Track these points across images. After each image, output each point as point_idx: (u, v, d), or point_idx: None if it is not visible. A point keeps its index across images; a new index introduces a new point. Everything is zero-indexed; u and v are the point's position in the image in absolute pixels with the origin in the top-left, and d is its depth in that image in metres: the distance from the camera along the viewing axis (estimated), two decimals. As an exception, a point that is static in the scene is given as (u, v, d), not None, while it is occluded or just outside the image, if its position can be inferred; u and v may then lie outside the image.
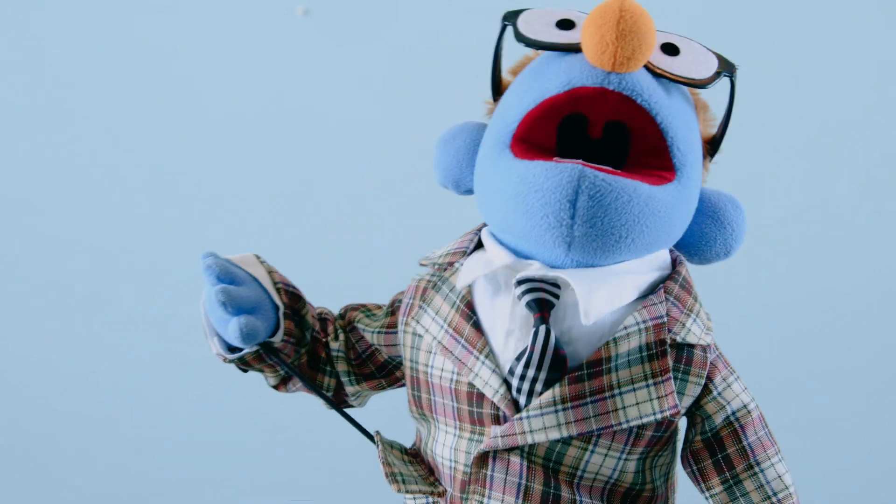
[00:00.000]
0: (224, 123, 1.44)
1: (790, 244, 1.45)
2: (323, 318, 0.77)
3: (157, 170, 1.45)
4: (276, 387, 0.77)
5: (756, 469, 0.68)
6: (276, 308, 0.73)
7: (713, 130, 0.70)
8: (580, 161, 0.62)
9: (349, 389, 0.77)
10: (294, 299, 0.75)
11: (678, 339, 0.66)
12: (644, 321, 0.65)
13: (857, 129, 1.44)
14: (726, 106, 0.69)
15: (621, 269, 0.66)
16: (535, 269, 0.65)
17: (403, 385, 0.74)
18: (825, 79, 1.44)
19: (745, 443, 0.68)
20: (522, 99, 0.65)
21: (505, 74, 0.70)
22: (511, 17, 0.67)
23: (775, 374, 1.46)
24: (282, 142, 1.44)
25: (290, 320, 0.74)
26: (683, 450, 0.69)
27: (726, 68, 0.67)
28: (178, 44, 1.44)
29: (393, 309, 0.75)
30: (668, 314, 0.66)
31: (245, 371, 0.75)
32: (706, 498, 0.69)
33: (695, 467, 0.69)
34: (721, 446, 0.68)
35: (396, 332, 0.74)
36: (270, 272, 0.74)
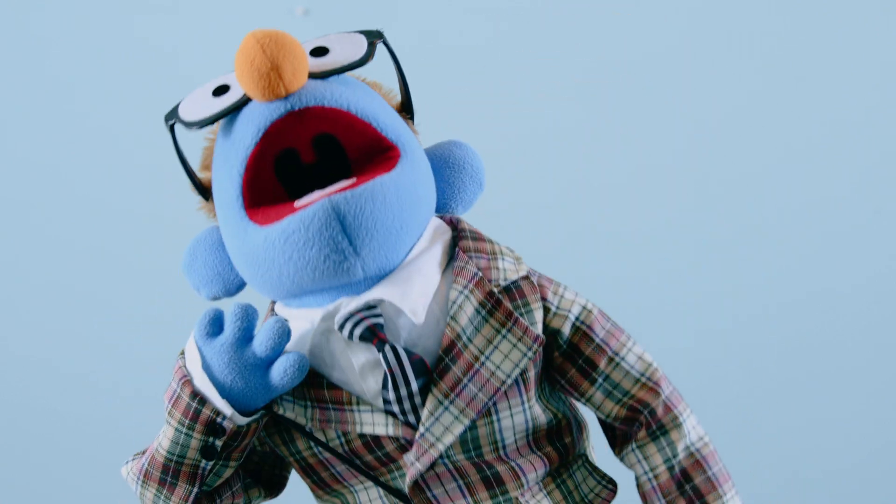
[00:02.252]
0: (224, 123, 1.44)
1: (790, 244, 1.45)
2: None
3: (156, 169, 1.45)
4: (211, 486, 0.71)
5: (617, 359, 0.70)
6: None
7: (399, 98, 0.72)
8: (319, 195, 0.63)
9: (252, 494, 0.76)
10: None
11: (501, 283, 0.68)
12: (465, 286, 0.67)
13: (857, 129, 1.44)
14: (395, 67, 0.71)
15: (412, 259, 0.67)
16: (345, 307, 0.66)
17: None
18: (825, 78, 1.44)
19: (597, 340, 0.70)
20: (230, 171, 0.65)
21: (200, 173, 0.71)
22: (172, 116, 0.68)
23: (776, 374, 1.46)
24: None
25: None
26: (547, 371, 0.71)
27: (374, 37, 0.69)
28: (178, 44, 1.44)
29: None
30: (479, 268, 0.68)
31: (216, 450, 0.69)
32: (585, 404, 0.71)
33: (563, 381, 0.70)
34: (578, 352, 0.70)
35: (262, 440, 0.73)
36: None
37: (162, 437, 0.70)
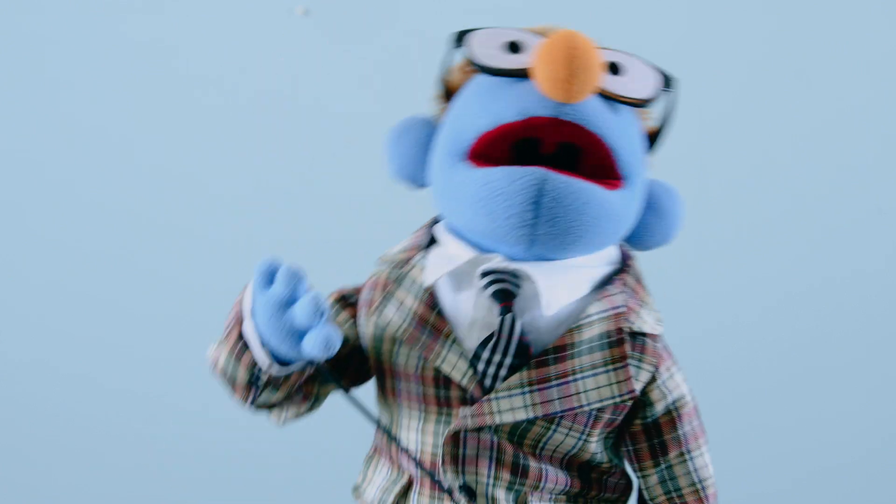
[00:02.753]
0: (224, 123, 1.44)
1: (791, 244, 1.45)
2: None
3: (156, 169, 1.45)
4: (259, 406, 0.74)
5: (687, 457, 0.73)
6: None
7: (654, 124, 0.73)
8: (540, 166, 0.66)
9: (326, 389, 0.77)
10: None
11: (634, 327, 0.70)
12: (605, 310, 0.70)
13: (858, 129, 1.44)
14: (665, 114, 0.72)
15: (577, 263, 0.70)
16: (497, 262, 0.69)
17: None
18: (826, 77, 1.43)
19: (680, 432, 0.73)
20: (476, 120, 0.69)
21: (454, 76, 0.73)
22: (461, 41, 0.71)
23: (776, 374, 1.46)
24: (282, 142, 1.44)
25: None
26: (621, 427, 0.74)
27: (667, 84, 0.71)
28: (178, 43, 1.44)
29: (347, 303, 0.76)
30: (626, 304, 0.71)
31: (258, 394, 0.72)
32: (636, 474, 0.75)
33: (630, 447, 0.74)
34: (658, 432, 0.73)
35: (356, 322, 0.75)
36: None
37: (223, 346, 0.72)
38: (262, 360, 0.69)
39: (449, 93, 0.73)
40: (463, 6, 1.40)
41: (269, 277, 0.67)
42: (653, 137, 0.73)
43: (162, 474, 1.48)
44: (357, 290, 0.76)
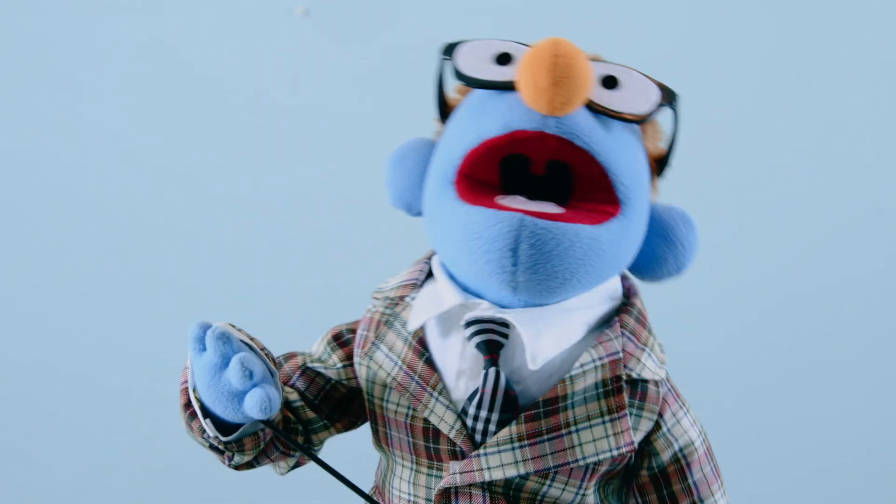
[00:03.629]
0: (224, 123, 1.44)
1: (791, 244, 1.45)
2: None
3: (156, 169, 1.45)
4: (238, 467, 0.72)
5: None
6: (274, 374, 0.70)
7: (663, 146, 0.69)
8: (521, 207, 0.62)
9: (319, 437, 0.75)
10: (276, 363, 0.73)
11: (633, 374, 0.66)
12: (600, 358, 0.66)
13: (859, 129, 1.44)
14: (671, 132, 0.67)
15: (570, 306, 0.66)
16: (483, 310, 0.66)
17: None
18: (826, 77, 1.44)
19: (690, 481, 0.69)
20: (463, 137, 0.65)
21: (452, 94, 0.70)
22: (450, 52, 0.66)
23: (776, 374, 1.46)
24: (282, 142, 1.44)
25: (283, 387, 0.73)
26: (627, 478, 0.70)
27: (667, 98, 0.65)
28: (178, 43, 1.44)
29: (341, 341, 0.74)
30: (623, 349, 0.66)
31: (226, 452, 0.69)
32: None
33: (639, 500, 0.70)
34: (667, 482, 0.69)
35: (353, 362, 0.73)
36: (252, 339, 0.70)
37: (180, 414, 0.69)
38: (208, 428, 0.66)
39: (447, 112, 0.70)
40: (463, 6, 1.40)
41: (202, 342, 0.65)
42: (659, 160, 0.68)
43: (162, 474, 1.48)
44: (353, 328, 0.74)
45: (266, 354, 0.68)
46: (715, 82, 1.42)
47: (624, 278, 0.71)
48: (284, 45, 1.43)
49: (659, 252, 0.68)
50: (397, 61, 1.42)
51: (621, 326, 0.67)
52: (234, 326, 0.68)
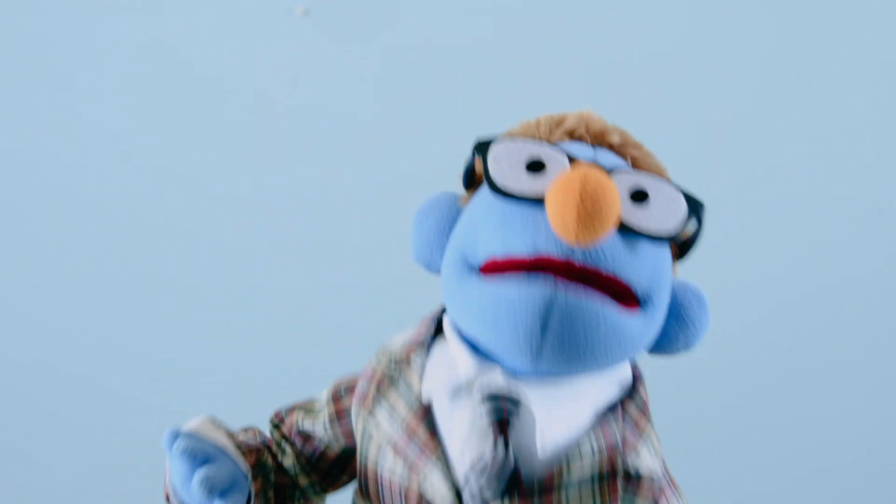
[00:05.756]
0: (224, 123, 1.44)
1: (790, 244, 1.45)
2: (268, 446, 0.75)
3: (156, 169, 1.45)
4: None
5: None
6: (246, 476, 0.70)
7: (688, 232, 0.69)
8: (551, 273, 0.62)
9: (316, 500, 0.75)
10: (256, 454, 0.73)
11: (630, 469, 0.66)
12: (600, 447, 0.65)
13: (858, 130, 1.44)
14: (694, 232, 0.68)
15: (583, 390, 0.66)
16: (497, 378, 0.65)
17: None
18: (827, 77, 1.44)
19: None
20: (489, 242, 0.65)
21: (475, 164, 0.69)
22: (482, 150, 0.66)
23: (776, 375, 1.46)
24: (282, 142, 1.44)
25: (257, 479, 0.73)
26: None
27: (694, 211, 0.67)
28: (177, 43, 1.44)
29: (337, 396, 0.73)
30: (623, 439, 0.66)
31: None
32: None
33: None
34: None
35: (347, 419, 0.73)
36: (230, 436, 0.71)
37: None
38: None
39: (473, 180, 0.69)
40: (463, 6, 1.40)
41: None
42: (682, 247, 0.69)
43: (161, 474, 1.48)
44: (353, 385, 0.73)
45: (243, 453, 0.70)
46: (715, 82, 1.42)
47: (633, 366, 0.71)
48: (284, 45, 1.43)
49: (670, 331, 0.68)
50: (397, 61, 1.42)
51: (623, 411, 0.67)
52: (213, 422, 0.69)
